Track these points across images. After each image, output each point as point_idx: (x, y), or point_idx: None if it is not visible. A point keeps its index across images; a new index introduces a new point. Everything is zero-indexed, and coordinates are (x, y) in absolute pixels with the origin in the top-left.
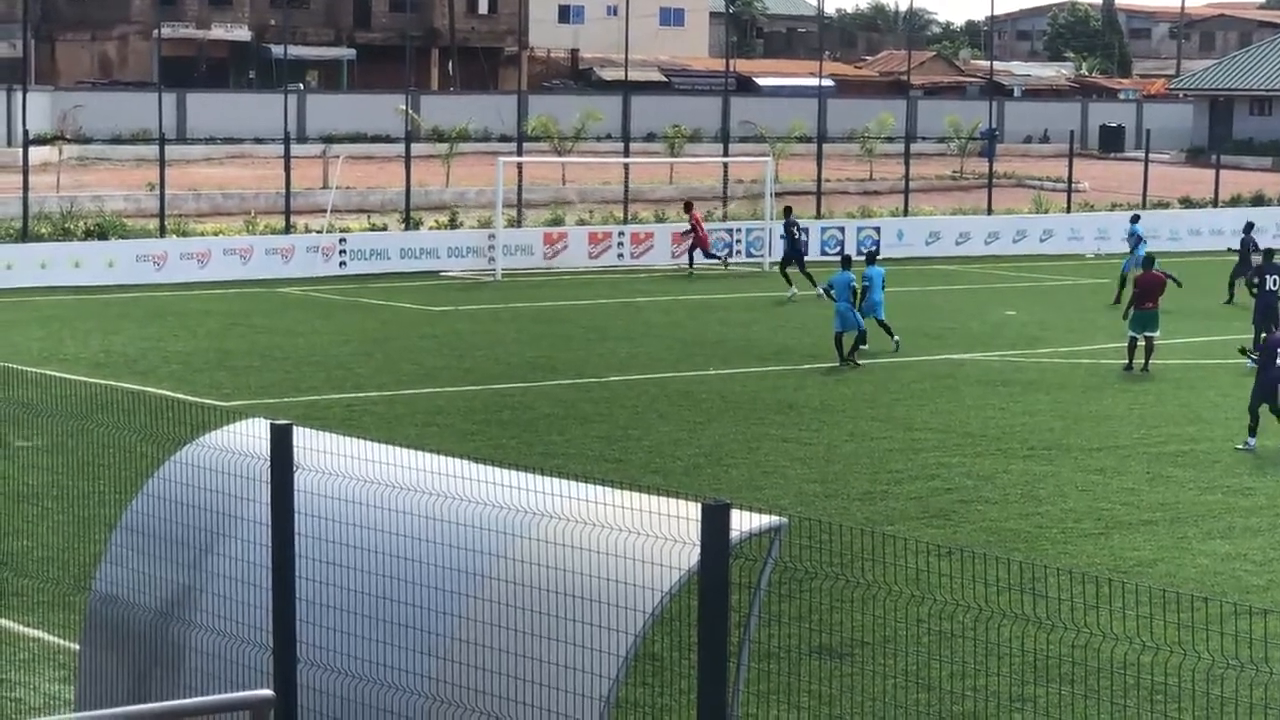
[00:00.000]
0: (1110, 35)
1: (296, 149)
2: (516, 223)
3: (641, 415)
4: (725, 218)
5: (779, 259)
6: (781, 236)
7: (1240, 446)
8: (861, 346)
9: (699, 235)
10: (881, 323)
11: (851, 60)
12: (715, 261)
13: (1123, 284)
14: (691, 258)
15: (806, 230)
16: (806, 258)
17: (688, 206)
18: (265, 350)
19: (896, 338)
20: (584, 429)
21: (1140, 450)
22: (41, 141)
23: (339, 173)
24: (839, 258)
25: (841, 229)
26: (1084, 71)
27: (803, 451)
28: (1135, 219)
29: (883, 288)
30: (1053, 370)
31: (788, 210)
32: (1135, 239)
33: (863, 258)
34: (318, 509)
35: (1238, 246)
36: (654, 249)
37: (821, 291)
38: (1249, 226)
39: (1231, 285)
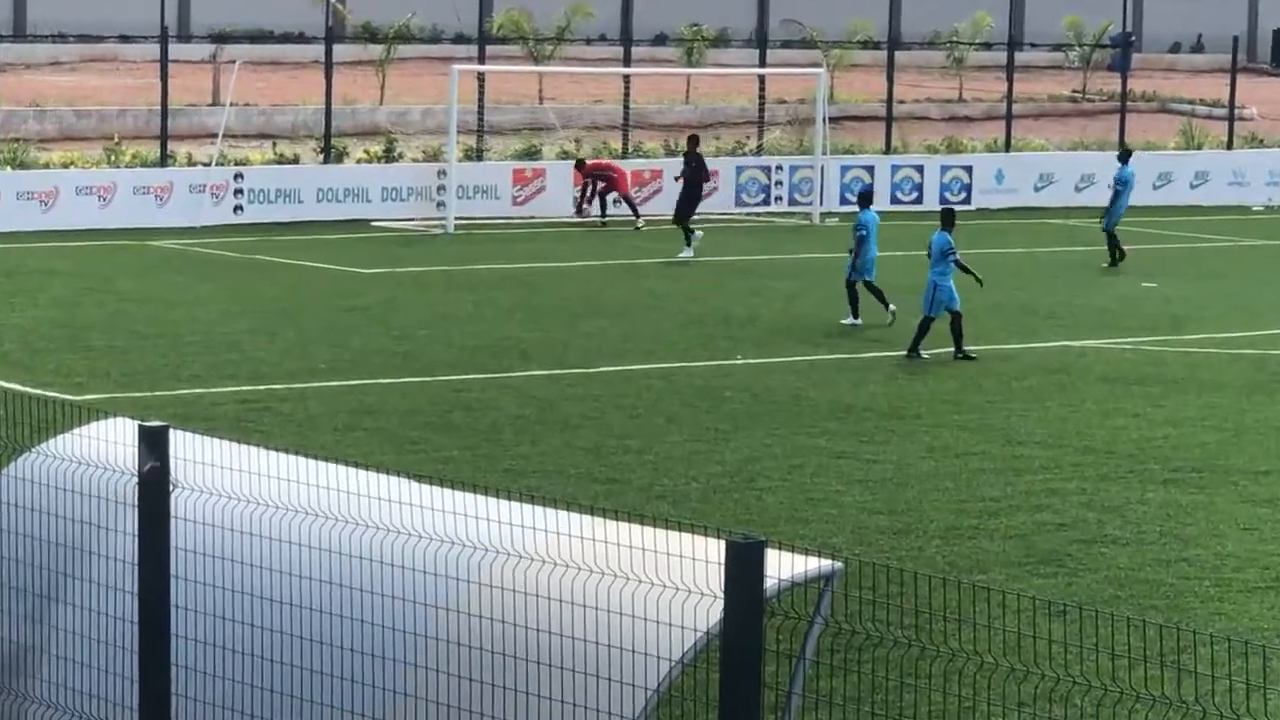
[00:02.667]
0: None
1: (177, 51)
2: (476, 155)
3: (644, 419)
4: (760, 151)
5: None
6: (678, 176)
7: None
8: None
9: (613, 179)
10: (872, 286)
11: None
12: (628, 217)
13: None
14: (604, 203)
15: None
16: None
17: (579, 164)
18: (132, 325)
19: (892, 307)
20: (565, 438)
21: None
22: None
23: (234, 84)
24: (915, 206)
25: (920, 168)
26: None
27: (863, 471)
28: None
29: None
30: (1206, 364)
31: (693, 141)
32: None
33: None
34: (201, 542)
35: None
36: (663, 191)
37: (855, 241)
38: None
39: None
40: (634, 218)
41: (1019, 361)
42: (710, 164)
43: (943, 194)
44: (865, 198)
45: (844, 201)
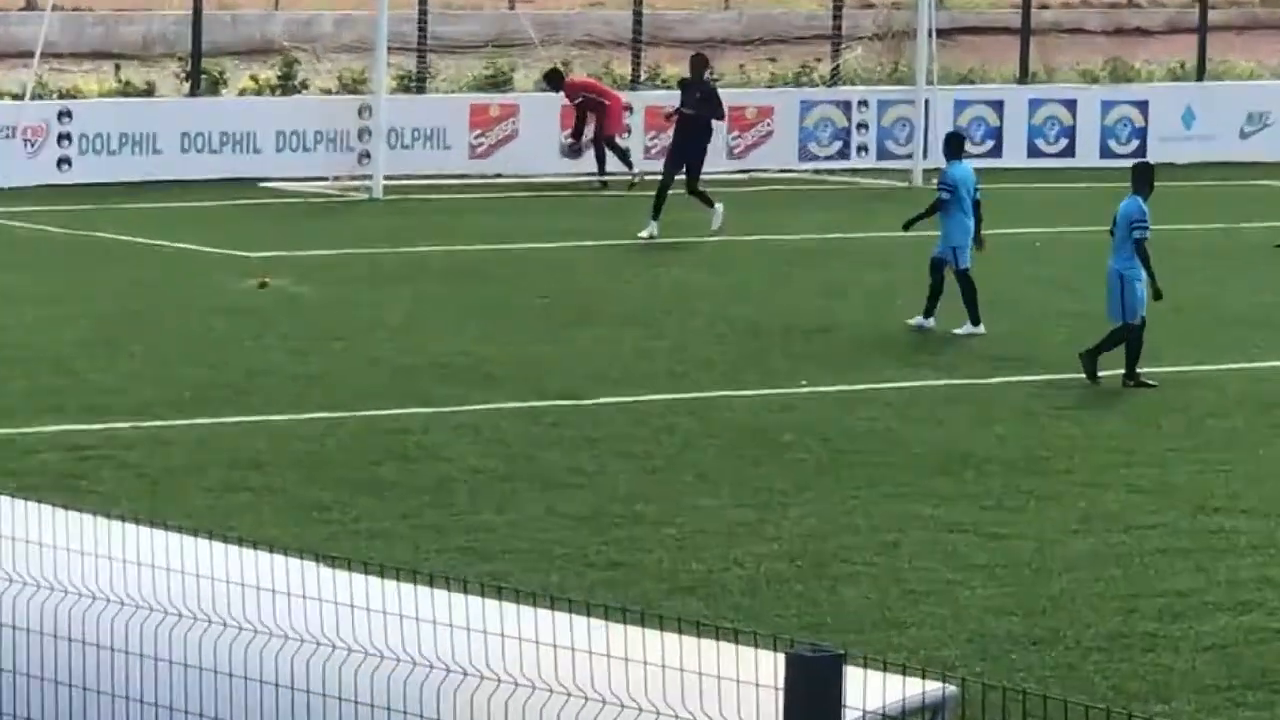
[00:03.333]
0: None
1: None
2: (417, 85)
3: (664, 475)
4: (836, 79)
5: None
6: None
7: None
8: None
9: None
10: (965, 279)
11: None
12: (624, 173)
13: None
14: (600, 155)
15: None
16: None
17: (555, 82)
18: None
19: (977, 328)
20: (548, 501)
21: None
22: None
23: None
24: (944, 141)
25: (1071, 105)
26: None
27: (988, 552)
28: None
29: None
30: None
31: (699, 62)
32: None
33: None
34: (9, 655)
35: None
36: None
37: (943, 196)
38: None
39: None
40: (627, 170)
41: (1215, 391)
42: (763, 97)
43: (1105, 142)
44: (954, 144)
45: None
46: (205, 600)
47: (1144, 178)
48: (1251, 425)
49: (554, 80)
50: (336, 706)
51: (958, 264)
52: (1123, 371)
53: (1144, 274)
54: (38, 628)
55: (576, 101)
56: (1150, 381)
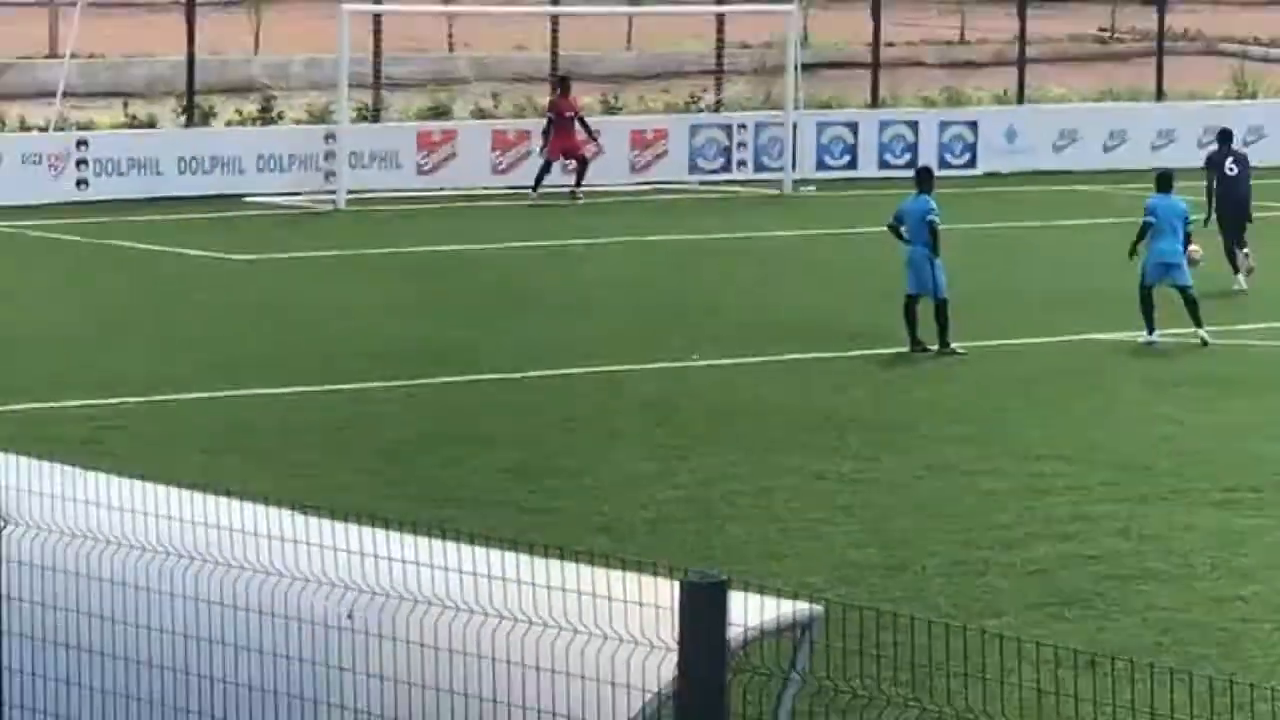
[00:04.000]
0: None
1: None
2: (372, 115)
3: (581, 435)
4: (719, 107)
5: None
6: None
7: None
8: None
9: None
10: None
11: None
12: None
13: None
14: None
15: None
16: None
17: (562, 87)
18: None
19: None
20: (486, 458)
21: None
22: None
23: (76, 32)
24: (914, 173)
25: (914, 125)
26: None
27: (848, 495)
28: None
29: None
30: (1268, 359)
31: None
32: None
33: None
34: (38, 590)
35: None
36: (605, 158)
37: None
38: None
39: None
40: (574, 185)
41: (1035, 360)
42: (659, 122)
43: (943, 156)
44: (921, 177)
45: (821, 165)
46: (202, 543)
47: (927, 179)
48: (1065, 388)
49: (565, 88)
50: (311, 630)
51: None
52: (937, 345)
53: (929, 255)
54: (64, 568)
55: (567, 115)
56: (959, 350)
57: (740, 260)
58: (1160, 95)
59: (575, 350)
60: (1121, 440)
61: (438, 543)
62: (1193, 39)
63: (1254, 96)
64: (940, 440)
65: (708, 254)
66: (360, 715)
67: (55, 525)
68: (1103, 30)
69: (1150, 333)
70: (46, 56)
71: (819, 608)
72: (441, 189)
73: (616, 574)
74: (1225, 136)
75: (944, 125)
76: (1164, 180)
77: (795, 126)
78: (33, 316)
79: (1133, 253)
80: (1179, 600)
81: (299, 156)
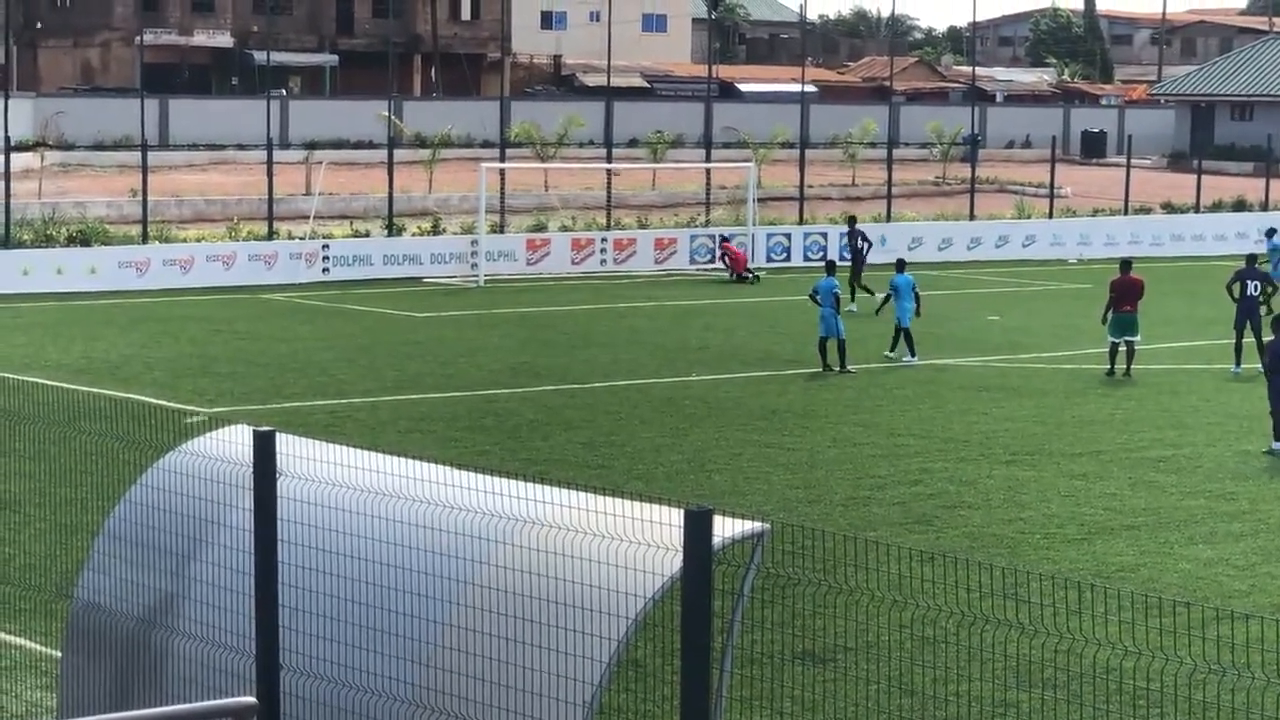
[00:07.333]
0: (1092, 41)
1: (279, 155)
2: (499, 228)
3: (624, 421)
4: (708, 223)
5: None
6: (843, 247)
7: (1269, 450)
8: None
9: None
10: (907, 331)
11: (834, 66)
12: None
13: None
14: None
15: (869, 241)
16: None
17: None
18: (248, 356)
19: (914, 359)
20: (567, 435)
21: (1122, 456)
22: (24, 148)
23: (321, 179)
24: (823, 263)
25: (824, 234)
26: (1066, 77)
27: (786, 457)
28: (1271, 232)
29: (912, 295)
30: (1035, 375)
31: (851, 220)
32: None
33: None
34: (300, 515)
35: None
36: (636, 254)
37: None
38: (1271, 232)
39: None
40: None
41: (899, 376)
42: (672, 233)
43: (841, 253)
44: (900, 265)
45: (769, 259)
46: (399, 486)
47: (831, 268)
48: (918, 392)
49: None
50: (462, 540)
51: (902, 323)
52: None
53: (835, 314)
54: (316, 502)
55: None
56: (853, 370)
57: (720, 316)
58: (972, 216)
59: (619, 370)
60: (949, 424)
61: (537, 486)
62: (991, 182)
63: (1028, 217)
64: (841, 424)
65: (700, 313)
66: (486, 590)
67: (311, 475)
68: (937, 178)
69: (914, 355)
70: (304, 194)
71: (768, 526)
72: (540, 274)
73: (646, 505)
74: (1250, 260)
75: (842, 235)
76: (900, 265)
77: (753, 236)
78: (295, 351)
79: (879, 311)
80: (983, 521)
81: (455, 254)
